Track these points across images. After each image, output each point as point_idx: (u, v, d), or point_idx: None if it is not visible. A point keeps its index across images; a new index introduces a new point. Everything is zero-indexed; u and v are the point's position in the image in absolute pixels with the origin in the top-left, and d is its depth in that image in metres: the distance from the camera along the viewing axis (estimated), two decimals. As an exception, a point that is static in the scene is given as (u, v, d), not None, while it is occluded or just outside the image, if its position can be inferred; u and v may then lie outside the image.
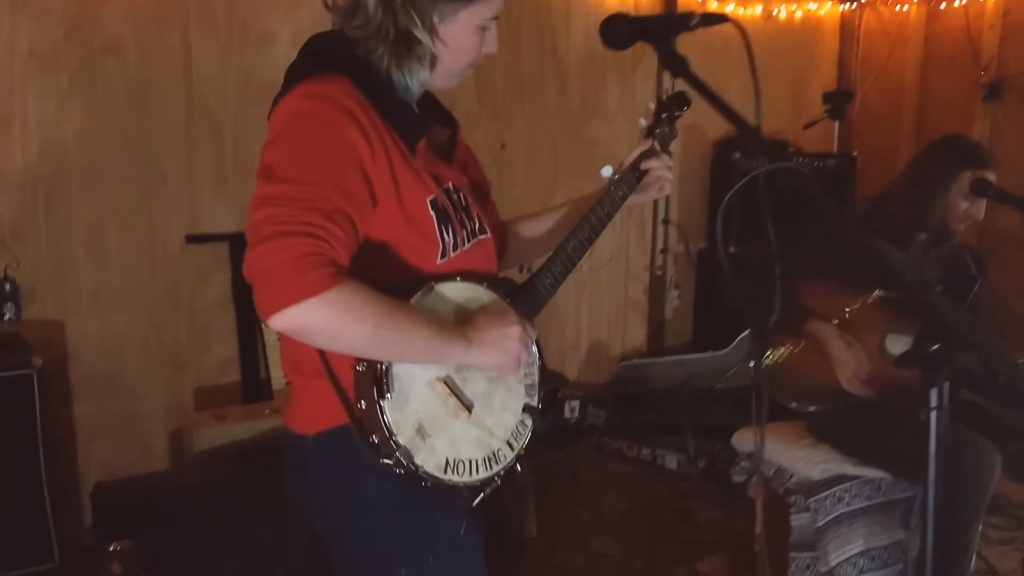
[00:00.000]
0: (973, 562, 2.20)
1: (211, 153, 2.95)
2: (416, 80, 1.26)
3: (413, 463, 1.16)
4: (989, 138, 4.17)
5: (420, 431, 1.17)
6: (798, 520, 2.27)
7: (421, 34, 1.21)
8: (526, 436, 1.29)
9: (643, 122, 1.50)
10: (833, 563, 2.25)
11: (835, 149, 4.39)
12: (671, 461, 3.44)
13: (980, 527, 2.23)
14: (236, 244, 3.00)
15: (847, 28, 4.70)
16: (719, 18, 1.24)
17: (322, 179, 1.11)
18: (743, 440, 2.52)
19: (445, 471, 1.18)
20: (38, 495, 2.27)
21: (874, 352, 2.26)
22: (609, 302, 4.15)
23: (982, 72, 4.19)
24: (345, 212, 1.11)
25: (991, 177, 2.27)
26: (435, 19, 1.22)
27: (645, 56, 4.00)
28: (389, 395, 1.14)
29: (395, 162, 1.20)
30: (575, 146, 3.85)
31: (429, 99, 1.37)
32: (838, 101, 4.32)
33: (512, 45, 3.63)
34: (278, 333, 1.16)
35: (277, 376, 3.00)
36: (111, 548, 2.21)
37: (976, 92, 4.21)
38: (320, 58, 1.23)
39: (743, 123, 1.17)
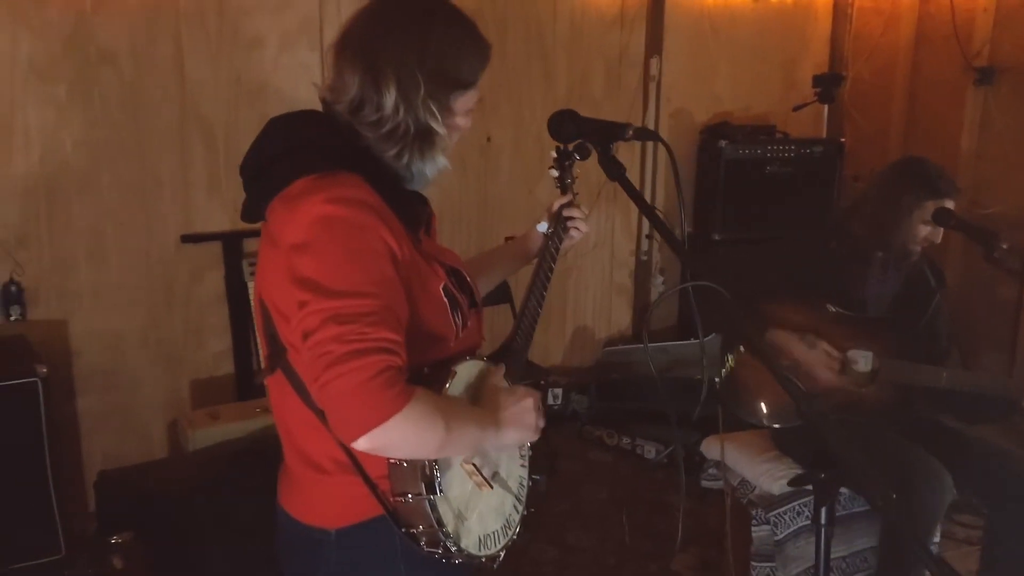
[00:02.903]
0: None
1: (203, 156, 3.24)
2: (435, 168, 1.37)
3: (459, 547, 1.29)
4: (980, 123, 4.43)
5: (459, 516, 1.31)
6: (759, 532, 2.53)
7: (440, 127, 1.32)
8: (525, 495, 1.49)
9: (553, 172, 1.71)
10: (793, 574, 2.49)
11: (824, 134, 4.66)
12: (650, 451, 3.78)
13: (936, 540, 2.48)
14: (228, 243, 3.31)
15: (840, 5, 4.92)
16: (651, 134, 1.51)
17: (376, 288, 1.19)
18: (711, 448, 2.77)
19: (480, 548, 1.34)
20: (44, 491, 2.61)
21: (834, 367, 2.48)
22: (594, 287, 4.47)
23: (975, 56, 4.43)
24: (398, 315, 1.21)
25: (951, 205, 2.48)
26: (447, 109, 1.33)
27: (631, 45, 4.26)
28: (440, 491, 1.26)
29: (413, 254, 1.30)
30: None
31: None
32: (828, 84, 4.55)
33: (498, 36, 3.87)
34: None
35: (269, 369, 3.33)
36: (113, 541, 2.55)
37: (968, 76, 4.45)
38: (319, 150, 1.30)
39: (672, 236, 1.42)
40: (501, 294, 3.78)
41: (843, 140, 4.50)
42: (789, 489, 2.53)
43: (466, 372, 1.37)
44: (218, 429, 2.98)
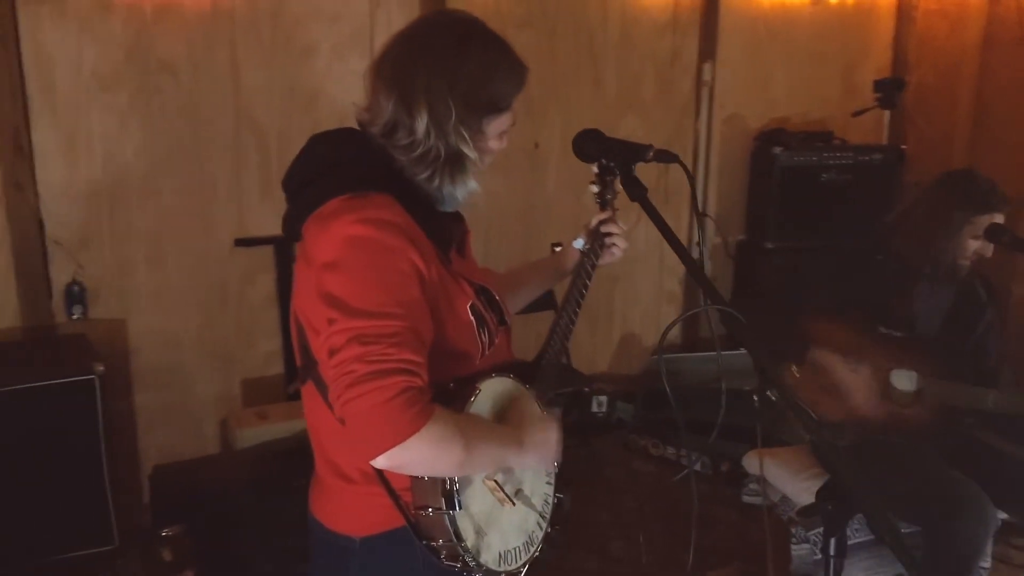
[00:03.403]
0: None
1: (257, 162, 3.36)
2: (466, 191, 1.40)
3: (479, 562, 1.33)
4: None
5: (479, 531, 1.34)
6: (798, 551, 2.53)
7: (471, 151, 1.36)
8: (549, 514, 1.52)
9: (593, 188, 1.72)
10: None
11: (885, 140, 4.58)
12: (695, 462, 3.78)
13: (986, 565, 2.44)
14: (280, 247, 3.43)
15: (905, 8, 4.83)
16: (672, 157, 1.52)
17: (401, 309, 1.22)
18: (751, 463, 2.76)
19: (500, 564, 1.37)
20: (99, 484, 2.74)
21: (877, 388, 2.47)
22: (643, 294, 4.48)
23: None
24: (421, 336, 1.25)
25: (1000, 219, 2.45)
26: (479, 133, 1.37)
27: (684, 49, 4.26)
28: (459, 507, 1.30)
29: (441, 274, 1.34)
30: None
31: None
32: (889, 89, 4.47)
33: (547, 41, 3.90)
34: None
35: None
36: (163, 534, 2.67)
37: (1040, 80, 4.33)
38: (353, 170, 1.34)
39: (688, 257, 1.44)
40: (546, 301, 3.82)
41: (904, 147, 4.41)
42: (829, 507, 2.52)
43: (492, 388, 1.41)
44: (265, 428, 3.10)
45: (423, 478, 1.31)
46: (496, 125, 1.40)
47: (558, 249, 1.76)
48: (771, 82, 4.54)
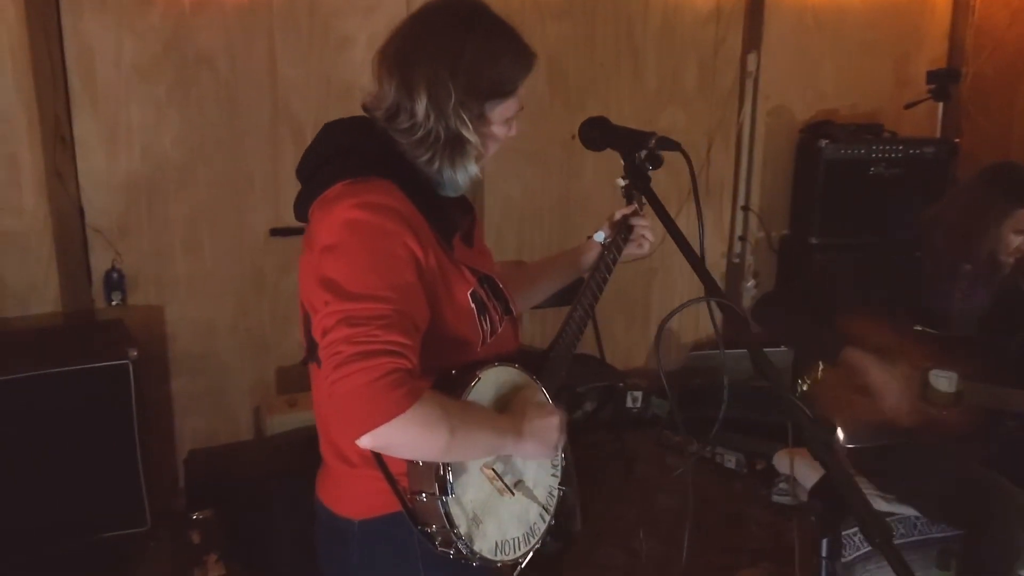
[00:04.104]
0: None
1: (293, 153, 3.38)
2: (467, 176, 1.41)
3: (472, 550, 1.33)
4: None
5: (475, 519, 1.35)
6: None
7: (471, 135, 1.36)
8: (554, 507, 1.51)
9: (621, 181, 1.70)
10: None
11: (938, 133, 4.45)
12: (729, 460, 3.73)
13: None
14: (315, 237, 3.47)
15: (962, -3, 4.68)
16: (674, 145, 1.51)
17: (393, 293, 1.24)
18: (782, 462, 2.71)
19: (496, 553, 1.37)
20: (133, 467, 2.81)
21: (914, 389, 2.39)
22: (681, 289, 4.42)
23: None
24: (413, 320, 1.25)
25: None
26: (480, 118, 1.37)
27: (728, 40, 4.19)
28: (452, 493, 1.30)
29: (441, 260, 1.35)
30: None
31: None
32: (943, 81, 4.34)
33: (586, 31, 3.88)
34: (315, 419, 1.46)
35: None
36: (194, 517, 2.74)
37: (1105, 72, 4.17)
38: (358, 155, 1.36)
39: (690, 250, 1.42)
40: (575, 294, 3.81)
41: (957, 140, 4.28)
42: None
43: (494, 377, 1.42)
44: (295, 416, 3.15)
45: (418, 463, 1.32)
46: (501, 111, 1.40)
47: (597, 239, 1.73)
48: (819, 73, 4.45)
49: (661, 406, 4.09)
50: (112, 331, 3.03)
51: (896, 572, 1.05)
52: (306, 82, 3.40)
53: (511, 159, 3.89)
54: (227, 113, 3.30)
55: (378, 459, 1.34)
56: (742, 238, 4.46)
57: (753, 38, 4.23)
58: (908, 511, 2.45)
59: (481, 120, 1.38)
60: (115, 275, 3.21)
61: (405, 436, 1.22)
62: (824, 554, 1.23)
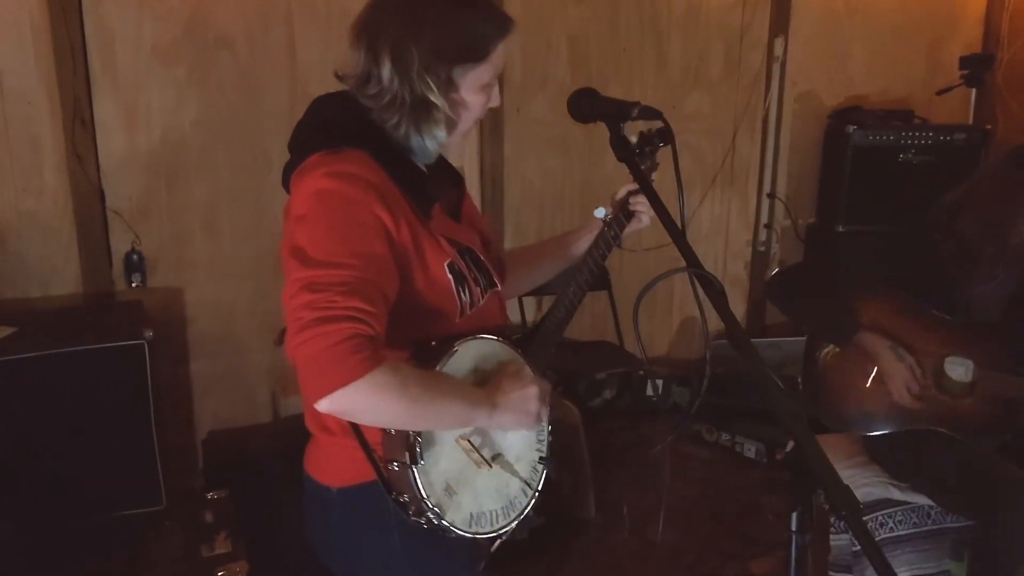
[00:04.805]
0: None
1: (311, 136, 3.41)
2: (435, 142, 1.41)
3: (444, 520, 1.33)
4: None
5: (448, 489, 1.34)
6: (837, 541, 2.43)
7: (437, 99, 1.35)
8: (539, 481, 1.49)
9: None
10: None
11: (971, 120, 4.34)
12: (749, 449, 3.69)
13: None
14: (333, 221, 3.47)
15: (998, -20, 4.56)
16: (655, 113, 1.47)
17: (356, 260, 1.24)
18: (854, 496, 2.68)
19: (470, 525, 1.37)
20: (149, 446, 2.84)
21: (928, 376, 2.35)
22: (705, 278, 4.37)
23: None
24: (379, 288, 1.25)
25: None
26: (450, 82, 1.36)
27: (754, 24, 4.12)
28: (422, 461, 1.31)
29: (415, 230, 1.35)
30: (673, 119, 3.94)
31: (438, 159, 1.54)
32: (976, 66, 4.24)
33: (609, 15, 3.83)
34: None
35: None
36: (209, 496, 2.76)
37: None
38: (334, 127, 1.39)
39: (672, 223, 1.39)
40: (599, 280, 3.78)
41: (989, 127, 4.17)
42: (872, 497, 2.43)
43: (473, 350, 1.41)
44: (309, 398, 3.15)
45: (391, 432, 1.33)
46: (473, 77, 1.39)
47: (598, 215, 1.68)
48: (848, 58, 4.36)
49: (682, 395, 4.04)
50: (130, 312, 3.06)
51: (864, 548, 1.01)
52: (324, 64, 3.35)
53: (532, 144, 3.86)
54: (246, 95, 3.31)
55: (355, 428, 1.36)
56: (768, 226, 4.39)
57: (780, 22, 4.16)
58: (922, 500, 2.41)
59: (450, 85, 1.37)
60: (135, 257, 3.23)
61: (363, 401, 1.21)
62: (794, 528, 1.17)
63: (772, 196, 4.35)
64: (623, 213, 1.66)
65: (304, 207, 1.31)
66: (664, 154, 1.59)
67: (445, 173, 1.55)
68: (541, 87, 3.75)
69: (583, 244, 1.75)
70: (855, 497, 1.03)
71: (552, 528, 3.01)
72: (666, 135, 1.61)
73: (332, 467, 1.46)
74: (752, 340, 3.89)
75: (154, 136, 3.22)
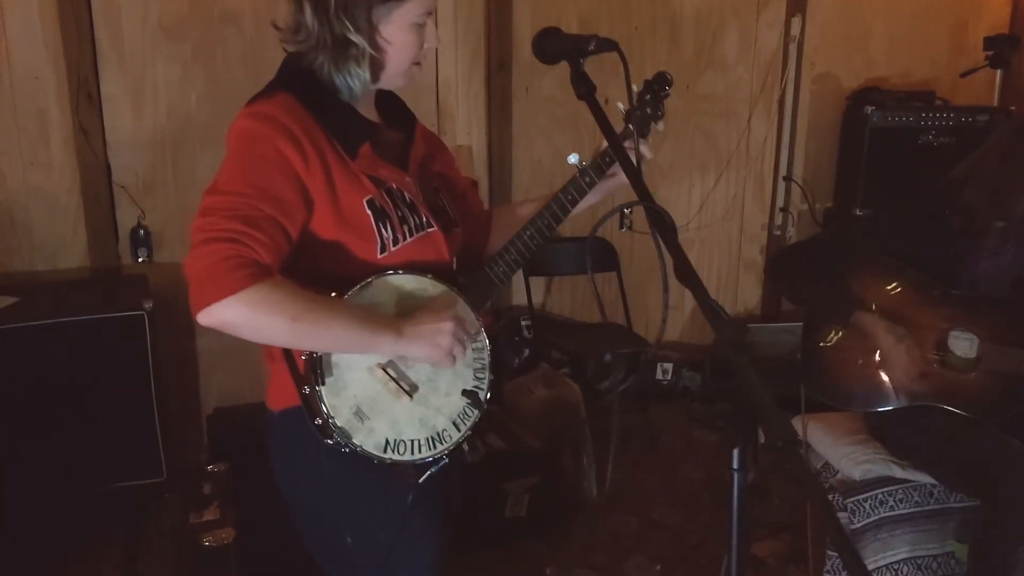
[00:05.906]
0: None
1: (317, 113, 3.41)
2: (358, 81, 1.43)
3: (351, 443, 1.37)
4: None
5: (358, 414, 1.39)
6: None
7: (356, 38, 1.39)
8: (474, 417, 1.48)
9: (621, 106, 1.61)
10: (871, 567, 2.33)
11: (995, 103, 4.23)
12: (760, 434, 3.61)
13: None
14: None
15: (1027, -42, 4.43)
16: (611, 45, 1.45)
17: (251, 190, 1.31)
18: (796, 428, 2.63)
19: (385, 450, 1.40)
20: (149, 418, 2.85)
21: (930, 352, 2.29)
22: (720, 261, 4.31)
23: None
24: (271, 217, 1.31)
25: None
26: (370, 22, 1.40)
27: (771, 3, 4.04)
28: (326, 382, 1.36)
29: (332, 168, 1.39)
30: (686, 100, 3.98)
31: (391, 100, 1.59)
32: (1001, 47, 4.14)
33: (622, -5, 3.79)
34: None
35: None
36: (209, 469, 2.76)
37: None
38: (278, 75, 1.48)
39: (628, 162, 1.36)
40: (607, 261, 3.74)
41: (1012, 108, 4.06)
42: (872, 475, 2.38)
43: (394, 284, 1.44)
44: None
45: (304, 357, 1.38)
46: (398, 16, 1.42)
47: (572, 161, 1.63)
48: (869, 38, 4.26)
49: (692, 379, 3.99)
50: (133, 285, 3.07)
51: (803, 485, 0.96)
52: (331, 42, 3.38)
53: (541, 124, 3.83)
54: (252, 72, 3.31)
55: (286, 353, 1.42)
56: (784, 209, 4.31)
57: (798, 1, 4.07)
58: (924, 478, 2.35)
59: (369, 25, 1.40)
60: (141, 232, 3.26)
61: (239, 315, 1.27)
62: (735, 465, 1.10)
63: (788, 179, 4.27)
64: (603, 160, 1.59)
65: (227, 147, 1.40)
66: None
67: (396, 114, 1.59)
68: (550, 66, 3.70)
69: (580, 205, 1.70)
70: (792, 428, 0.99)
71: (554, 507, 2.98)
72: (666, 81, 1.64)
73: (274, 392, 1.53)
74: (763, 326, 3.80)
75: (160, 111, 3.23)
